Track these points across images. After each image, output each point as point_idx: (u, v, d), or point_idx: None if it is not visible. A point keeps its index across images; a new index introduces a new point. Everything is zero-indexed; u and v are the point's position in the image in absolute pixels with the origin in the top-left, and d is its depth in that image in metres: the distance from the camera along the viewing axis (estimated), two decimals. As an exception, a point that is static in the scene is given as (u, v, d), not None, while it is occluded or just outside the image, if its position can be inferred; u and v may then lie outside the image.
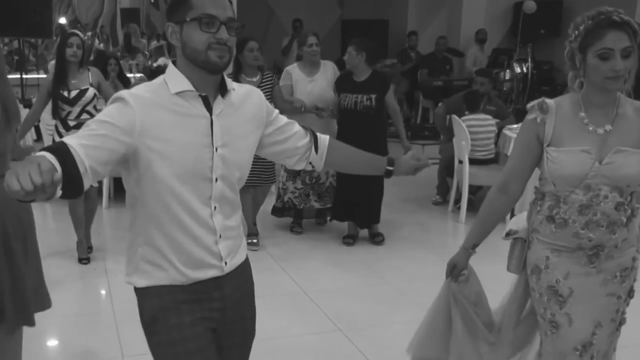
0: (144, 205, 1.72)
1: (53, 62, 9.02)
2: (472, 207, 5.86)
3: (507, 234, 2.28)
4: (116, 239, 5.25)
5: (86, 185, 1.53)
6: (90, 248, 4.86)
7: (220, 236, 1.77)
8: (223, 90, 1.73)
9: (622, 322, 2.16)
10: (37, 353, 3.45)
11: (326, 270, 4.76)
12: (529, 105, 2.12)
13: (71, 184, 1.47)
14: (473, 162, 5.69)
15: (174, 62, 1.74)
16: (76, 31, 4.89)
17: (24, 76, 7.40)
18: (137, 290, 1.82)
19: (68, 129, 4.49)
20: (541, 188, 2.12)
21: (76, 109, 4.48)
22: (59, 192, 1.44)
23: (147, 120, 1.62)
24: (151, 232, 1.74)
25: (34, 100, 5.62)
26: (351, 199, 5.01)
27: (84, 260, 4.67)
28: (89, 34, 11.12)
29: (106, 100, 5.18)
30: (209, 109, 1.70)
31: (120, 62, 7.75)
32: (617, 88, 1.99)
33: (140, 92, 1.68)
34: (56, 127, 4.62)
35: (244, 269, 1.94)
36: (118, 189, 6.34)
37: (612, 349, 2.17)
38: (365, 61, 4.84)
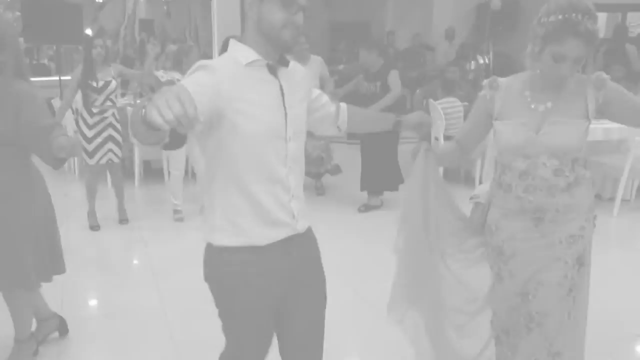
0: (224, 166, 1.61)
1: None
2: (447, 176, 5.98)
3: (471, 198, 2.31)
4: (149, 212, 5.32)
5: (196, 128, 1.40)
6: (126, 220, 4.96)
7: (293, 195, 1.68)
8: (283, 61, 1.66)
9: (572, 288, 2.00)
10: (88, 311, 3.55)
11: (327, 235, 4.78)
12: (483, 83, 2.09)
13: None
14: (447, 139, 5.74)
15: (236, 39, 1.64)
16: (98, 37, 5.08)
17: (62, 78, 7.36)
18: (213, 249, 1.69)
19: (92, 115, 4.62)
20: (497, 159, 2.12)
21: (101, 98, 4.62)
22: (166, 139, 1.33)
23: (232, 84, 1.53)
24: (231, 192, 1.62)
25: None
26: (377, 169, 5.23)
27: (95, 227, 4.80)
28: (109, 41, 11.14)
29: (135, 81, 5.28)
30: (275, 76, 1.63)
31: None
32: (559, 82, 1.90)
33: (219, 62, 1.58)
34: (80, 113, 4.70)
35: (311, 236, 1.83)
36: (147, 170, 6.43)
37: (564, 316, 2.01)
38: (378, 55, 5.10)
